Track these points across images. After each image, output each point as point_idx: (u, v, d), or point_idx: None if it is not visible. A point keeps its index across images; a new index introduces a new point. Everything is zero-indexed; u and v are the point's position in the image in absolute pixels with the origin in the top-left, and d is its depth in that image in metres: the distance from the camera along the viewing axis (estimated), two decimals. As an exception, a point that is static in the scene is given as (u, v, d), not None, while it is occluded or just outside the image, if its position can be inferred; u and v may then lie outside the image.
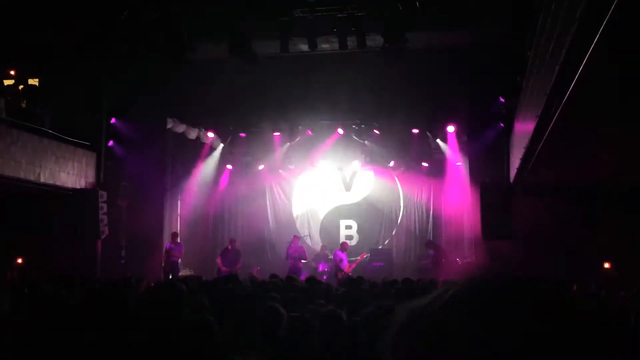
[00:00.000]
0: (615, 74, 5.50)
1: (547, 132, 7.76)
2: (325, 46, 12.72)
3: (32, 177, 12.38)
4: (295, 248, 16.30)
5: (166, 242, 15.21)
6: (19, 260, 13.56)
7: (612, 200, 12.18)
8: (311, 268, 16.30)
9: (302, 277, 12.56)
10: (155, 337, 3.02)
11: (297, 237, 16.80)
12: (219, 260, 15.99)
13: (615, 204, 12.17)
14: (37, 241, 12.87)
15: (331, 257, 17.18)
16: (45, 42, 12.56)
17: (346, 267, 15.47)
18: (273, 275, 9.86)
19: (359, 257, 16.43)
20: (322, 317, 4.39)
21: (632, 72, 5.54)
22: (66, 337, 3.38)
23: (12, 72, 13.22)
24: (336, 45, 12.48)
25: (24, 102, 13.02)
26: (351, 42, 12.24)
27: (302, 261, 16.13)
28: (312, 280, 8.79)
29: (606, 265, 12.57)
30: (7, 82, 13.14)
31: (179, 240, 15.23)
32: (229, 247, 16.18)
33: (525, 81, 10.24)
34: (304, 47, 12.55)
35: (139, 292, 7.91)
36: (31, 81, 14.00)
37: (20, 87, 13.01)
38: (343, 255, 15.68)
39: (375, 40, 12.25)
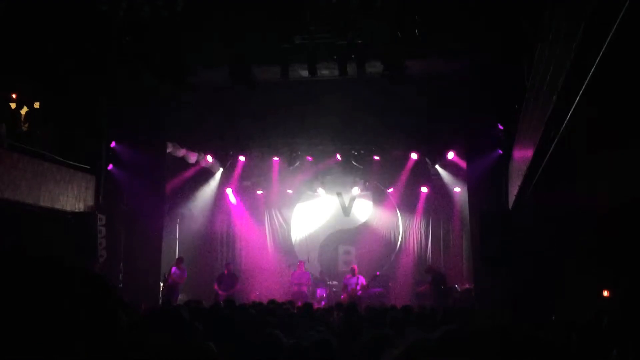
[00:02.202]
0: (612, 104, 5.55)
1: (545, 160, 7.79)
2: (325, 72, 12.80)
3: (31, 201, 12.38)
4: (300, 274, 16.29)
5: (172, 267, 15.22)
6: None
7: (612, 227, 12.17)
8: (310, 293, 16.27)
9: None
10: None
11: (302, 263, 16.80)
12: (215, 285, 15.97)
13: (614, 231, 12.15)
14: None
15: (329, 282, 17.17)
16: (46, 65, 12.62)
17: (359, 289, 15.48)
18: (271, 301, 9.84)
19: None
20: (315, 344, 4.39)
21: (630, 100, 5.59)
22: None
23: (14, 96, 13.27)
24: (336, 72, 12.55)
25: (26, 125, 13.06)
26: (351, 68, 12.32)
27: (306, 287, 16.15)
28: (309, 306, 8.77)
29: (605, 293, 12.52)
30: (12, 106, 13.19)
31: (183, 266, 15.28)
32: (225, 272, 16.22)
33: (523, 109, 10.30)
34: (304, 73, 12.62)
35: (138, 317, 7.87)
36: (35, 105, 14.04)
37: (24, 110, 13.07)
38: (361, 279, 15.73)
39: (374, 67, 12.33)
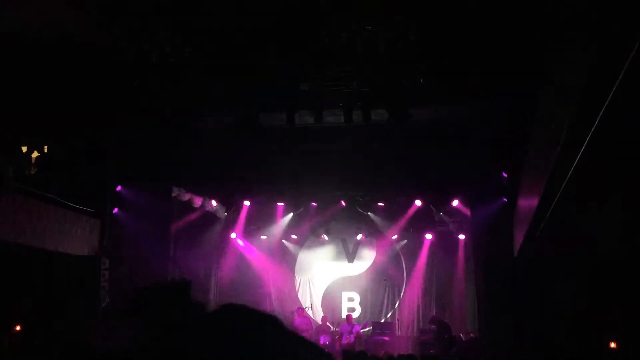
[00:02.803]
0: (615, 154, 5.58)
1: (550, 210, 7.80)
2: (330, 119, 12.91)
3: (35, 244, 12.38)
4: (300, 320, 16.13)
5: None
6: (17, 328, 13.40)
7: (620, 276, 12.08)
8: (313, 341, 16.08)
9: None
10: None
11: (300, 309, 16.67)
12: None
13: (622, 280, 12.06)
14: (36, 307, 12.74)
15: (333, 329, 17.00)
16: (54, 108, 12.76)
17: (352, 337, 15.29)
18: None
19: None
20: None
21: (632, 152, 5.63)
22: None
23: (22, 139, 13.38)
24: (341, 119, 12.67)
25: (34, 169, 13.14)
26: (356, 115, 12.44)
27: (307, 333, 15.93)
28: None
29: (612, 345, 12.35)
30: (24, 149, 13.30)
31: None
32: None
33: (527, 158, 10.36)
34: (310, 120, 12.74)
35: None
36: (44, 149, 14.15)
37: (34, 154, 13.17)
38: (357, 327, 15.56)
39: (380, 115, 12.46)
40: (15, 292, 12.43)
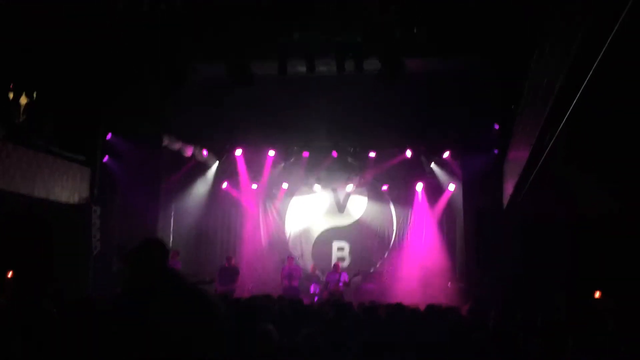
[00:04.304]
0: (609, 108, 5.57)
1: (540, 162, 7.82)
2: (323, 69, 12.80)
3: (25, 192, 12.37)
4: (290, 268, 16.24)
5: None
6: (9, 275, 13.47)
7: (607, 230, 12.22)
8: (303, 289, 16.25)
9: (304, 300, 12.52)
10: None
11: (291, 258, 16.78)
12: (216, 281, 15.82)
13: (609, 233, 12.21)
14: (28, 255, 12.79)
15: (322, 278, 17.17)
16: (44, 56, 12.59)
17: (340, 285, 15.43)
18: (266, 297, 9.81)
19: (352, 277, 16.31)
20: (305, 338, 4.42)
21: (628, 103, 5.61)
22: None
23: (10, 86, 13.23)
24: (334, 68, 12.56)
25: (23, 116, 13.02)
26: (349, 65, 12.33)
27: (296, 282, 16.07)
28: (300, 302, 8.77)
29: (597, 294, 12.58)
30: (10, 95, 13.15)
31: (178, 259, 15.14)
32: (226, 265, 15.94)
33: (520, 109, 10.34)
34: (302, 69, 12.62)
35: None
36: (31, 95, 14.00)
37: (23, 101, 13.02)
38: (344, 275, 15.68)
39: (372, 64, 12.35)
40: (5, 239, 12.45)
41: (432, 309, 8.56)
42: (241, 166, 18.07)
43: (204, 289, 2.04)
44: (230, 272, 15.59)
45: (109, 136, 14.95)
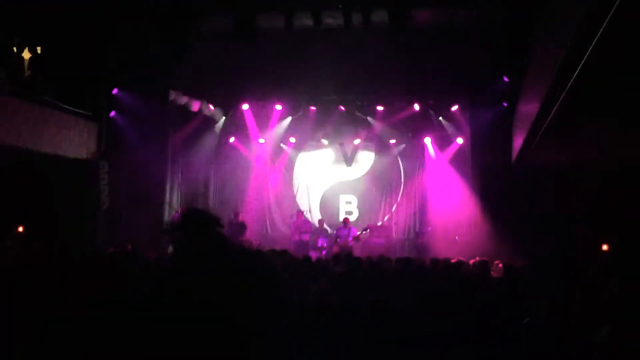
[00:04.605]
0: (620, 64, 5.46)
1: (550, 116, 7.73)
2: (329, 21, 12.61)
3: (33, 147, 12.38)
4: (300, 223, 16.31)
5: (173, 213, 15.23)
6: (20, 229, 13.58)
7: (615, 183, 12.18)
8: (312, 243, 16.37)
9: (311, 254, 12.59)
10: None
11: (300, 212, 16.84)
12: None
13: (618, 187, 12.17)
14: (38, 210, 12.87)
15: (330, 232, 17.26)
16: (49, 10, 12.44)
17: (350, 240, 15.52)
18: (271, 251, 9.83)
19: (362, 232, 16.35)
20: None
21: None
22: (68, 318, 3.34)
23: (15, 41, 13.10)
24: (341, 21, 12.37)
25: (28, 71, 12.94)
26: (356, 18, 12.13)
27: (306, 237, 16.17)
28: (309, 259, 8.80)
29: (604, 247, 12.60)
30: (14, 50, 13.04)
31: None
32: (233, 219, 16.06)
33: (529, 62, 10.19)
34: (309, 22, 12.43)
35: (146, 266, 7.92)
36: (37, 49, 13.88)
37: (27, 55, 12.91)
38: (353, 230, 15.75)
39: (380, 17, 12.15)
40: (15, 195, 12.52)
41: (437, 263, 8.60)
42: (248, 121, 17.98)
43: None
44: (238, 227, 15.72)
45: (115, 91, 14.86)
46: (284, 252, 9.33)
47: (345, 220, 16.37)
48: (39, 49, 13.11)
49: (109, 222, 14.30)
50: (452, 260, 8.99)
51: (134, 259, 7.76)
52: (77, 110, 13.75)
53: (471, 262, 9.34)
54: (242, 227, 15.81)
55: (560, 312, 4.23)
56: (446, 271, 7.64)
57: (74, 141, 13.69)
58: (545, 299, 4.64)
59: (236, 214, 16.36)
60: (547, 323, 4.11)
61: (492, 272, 8.52)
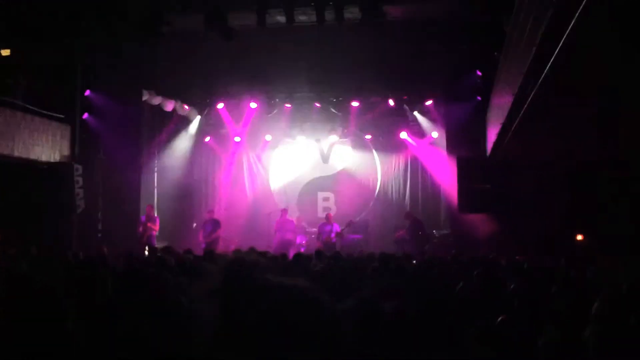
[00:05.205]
0: (592, 56, 5.52)
1: (523, 109, 7.79)
2: (302, 18, 12.57)
3: (5, 151, 12.21)
4: (284, 221, 16.30)
5: (142, 216, 15.09)
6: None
7: (591, 175, 12.33)
8: (294, 240, 16.36)
9: (293, 252, 12.56)
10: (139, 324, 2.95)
11: (284, 210, 16.82)
12: (200, 235, 15.93)
13: (594, 178, 12.33)
14: (11, 216, 12.69)
15: (308, 229, 17.28)
16: (17, 13, 12.24)
17: (333, 236, 15.51)
18: (261, 253, 9.77)
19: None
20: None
21: (610, 50, 5.57)
22: (40, 323, 3.30)
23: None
24: (314, 17, 12.33)
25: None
26: (329, 14, 12.11)
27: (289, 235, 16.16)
28: (300, 257, 8.79)
29: (579, 237, 12.77)
30: None
31: (153, 213, 15.14)
32: (207, 217, 16.16)
33: (502, 55, 10.25)
34: (281, 19, 12.39)
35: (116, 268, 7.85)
36: (3, 52, 13.67)
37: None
38: (336, 226, 15.75)
39: (352, 13, 12.14)
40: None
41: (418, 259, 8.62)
42: (224, 119, 17.91)
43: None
44: (212, 224, 15.77)
45: (87, 92, 14.70)
46: (264, 253, 9.34)
47: (328, 215, 16.35)
48: (7, 52, 12.91)
49: (84, 225, 14.14)
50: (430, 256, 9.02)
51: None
52: (49, 113, 13.58)
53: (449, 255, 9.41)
54: (215, 223, 15.83)
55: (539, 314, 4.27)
56: (426, 268, 7.65)
57: (47, 145, 13.52)
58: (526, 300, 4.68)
59: (210, 212, 16.37)
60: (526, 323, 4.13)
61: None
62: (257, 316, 1.60)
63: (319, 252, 10.00)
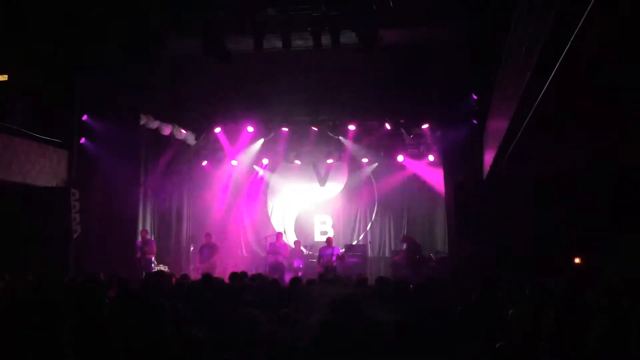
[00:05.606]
0: (587, 79, 5.55)
1: (520, 132, 7.82)
2: (299, 42, 12.66)
3: (1, 176, 12.19)
4: (279, 245, 16.27)
5: (137, 241, 15.07)
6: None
7: (590, 195, 12.32)
8: (287, 264, 16.30)
9: (286, 276, 12.47)
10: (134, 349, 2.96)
11: (280, 234, 16.80)
12: (197, 259, 15.92)
13: (593, 199, 12.31)
14: (6, 241, 12.62)
15: (306, 252, 17.25)
16: (14, 37, 12.32)
17: (334, 260, 15.46)
18: (252, 277, 9.76)
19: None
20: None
21: (604, 76, 5.61)
22: (37, 347, 3.30)
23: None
24: (310, 42, 12.42)
25: (-6, 99, 12.78)
26: (325, 39, 12.20)
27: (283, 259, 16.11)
28: (295, 281, 8.76)
29: (576, 260, 12.72)
30: None
31: (149, 237, 15.12)
32: (205, 241, 16.11)
33: (498, 79, 10.31)
34: (278, 44, 12.47)
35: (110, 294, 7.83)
36: (1, 77, 13.72)
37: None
38: (337, 250, 15.72)
39: (349, 38, 12.23)
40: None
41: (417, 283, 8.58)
42: (220, 143, 17.95)
43: None
44: (209, 249, 15.75)
45: (84, 117, 14.72)
46: (257, 276, 9.30)
47: (329, 239, 16.31)
48: (4, 77, 12.97)
49: (81, 250, 14.07)
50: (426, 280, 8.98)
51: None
52: (46, 137, 13.59)
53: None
54: (213, 248, 15.81)
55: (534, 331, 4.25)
56: (424, 293, 7.62)
57: (44, 169, 13.51)
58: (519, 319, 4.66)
59: (207, 236, 16.33)
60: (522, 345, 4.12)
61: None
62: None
63: (322, 276, 9.98)
